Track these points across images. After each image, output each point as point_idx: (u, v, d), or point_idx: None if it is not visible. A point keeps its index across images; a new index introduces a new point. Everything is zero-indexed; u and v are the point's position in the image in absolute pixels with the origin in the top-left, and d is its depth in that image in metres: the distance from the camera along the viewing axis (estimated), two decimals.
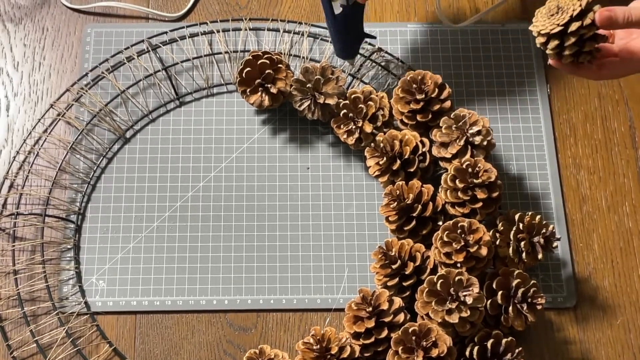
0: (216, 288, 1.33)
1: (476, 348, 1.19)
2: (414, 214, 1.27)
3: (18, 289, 1.31)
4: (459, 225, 1.23)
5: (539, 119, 1.44)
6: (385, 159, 1.30)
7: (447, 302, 1.17)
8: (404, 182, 1.29)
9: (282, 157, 1.41)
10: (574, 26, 1.08)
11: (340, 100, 1.35)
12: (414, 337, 1.17)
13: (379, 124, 1.33)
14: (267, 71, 1.35)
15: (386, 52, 1.47)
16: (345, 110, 1.34)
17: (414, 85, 1.32)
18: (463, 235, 1.22)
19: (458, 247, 1.21)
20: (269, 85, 1.36)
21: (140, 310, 1.32)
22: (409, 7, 1.53)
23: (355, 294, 1.29)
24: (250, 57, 1.36)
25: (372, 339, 1.20)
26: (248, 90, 1.37)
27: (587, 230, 1.37)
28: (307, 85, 1.35)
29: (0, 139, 1.42)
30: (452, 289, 1.18)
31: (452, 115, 1.31)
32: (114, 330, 1.31)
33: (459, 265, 1.22)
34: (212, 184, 1.39)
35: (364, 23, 1.35)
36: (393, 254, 1.25)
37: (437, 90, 1.32)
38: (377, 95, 1.34)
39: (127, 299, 1.32)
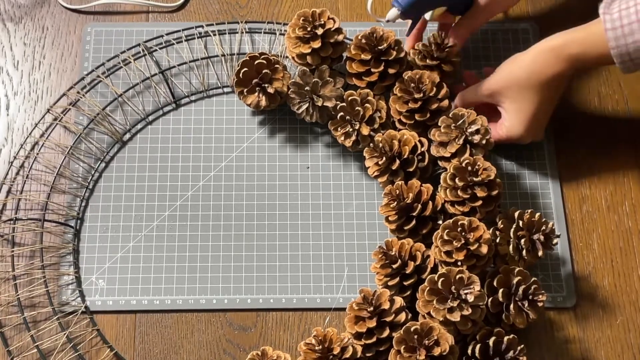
0: (216, 287, 1.30)
1: (478, 346, 1.16)
2: (414, 214, 1.24)
3: (18, 295, 1.28)
4: (459, 223, 1.20)
5: None
6: (384, 159, 1.27)
7: (449, 301, 1.14)
8: (403, 181, 1.26)
9: (282, 157, 1.39)
10: None
11: (338, 102, 1.31)
12: (416, 336, 1.14)
13: (376, 126, 1.30)
14: (264, 71, 1.32)
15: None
16: (342, 113, 1.31)
17: (412, 85, 1.29)
18: (463, 234, 1.19)
19: (458, 246, 1.18)
20: (266, 85, 1.33)
21: (140, 310, 1.29)
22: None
23: (355, 294, 1.27)
24: (248, 58, 1.34)
25: (374, 339, 1.17)
26: (245, 90, 1.34)
27: (586, 229, 1.34)
28: (305, 88, 1.32)
29: (0, 138, 1.39)
30: (453, 287, 1.15)
31: (450, 115, 1.28)
32: (114, 329, 1.28)
33: (459, 263, 1.19)
34: (211, 183, 1.36)
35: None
36: (393, 253, 1.22)
37: (434, 89, 1.30)
38: (374, 98, 1.31)
39: (126, 298, 1.29)
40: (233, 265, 1.31)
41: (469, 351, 1.17)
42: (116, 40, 1.46)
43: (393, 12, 1.31)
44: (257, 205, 1.35)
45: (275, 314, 1.29)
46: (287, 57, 1.41)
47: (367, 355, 1.19)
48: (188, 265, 1.31)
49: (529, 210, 1.24)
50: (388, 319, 1.18)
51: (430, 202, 1.25)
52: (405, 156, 1.27)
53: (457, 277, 1.15)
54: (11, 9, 1.49)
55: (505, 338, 1.16)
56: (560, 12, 1.49)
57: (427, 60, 1.33)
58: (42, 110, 1.41)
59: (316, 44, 1.31)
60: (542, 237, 1.22)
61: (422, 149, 1.29)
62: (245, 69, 1.33)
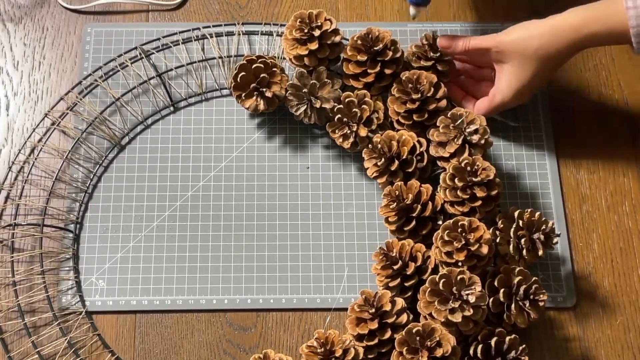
0: (216, 287, 1.27)
1: (480, 347, 1.13)
2: (414, 214, 1.21)
3: (18, 300, 1.25)
4: (460, 224, 1.17)
5: (538, 119, 1.38)
6: (383, 160, 1.24)
7: (450, 302, 1.12)
8: (402, 182, 1.23)
9: (282, 157, 1.36)
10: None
11: (335, 104, 1.29)
12: (418, 338, 1.11)
13: (374, 127, 1.28)
14: (261, 75, 1.29)
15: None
16: (339, 115, 1.28)
17: (410, 85, 1.27)
18: (464, 234, 1.16)
19: (459, 246, 1.15)
20: (264, 90, 1.30)
21: (140, 310, 1.26)
22: (409, 7, 1.45)
23: (355, 294, 1.25)
24: (245, 62, 1.31)
25: (376, 341, 1.15)
26: (243, 94, 1.31)
27: (586, 229, 1.31)
28: (303, 90, 1.29)
29: (0, 138, 1.36)
30: (454, 288, 1.12)
31: (448, 115, 1.26)
32: (114, 329, 1.25)
33: (460, 264, 1.16)
34: (211, 183, 1.34)
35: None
36: (394, 254, 1.19)
37: (432, 89, 1.27)
38: (371, 99, 1.29)
39: (126, 298, 1.26)
40: (233, 266, 1.29)
41: (471, 352, 1.15)
42: (116, 40, 1.43)
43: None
44: (257, 206, 1.33)
45: (276, 314, 1.27)
46: (284, 58, 1.38)
47: (369, 357, 1.16)
48: (188, 265, 1.29)
49: (529, 210, 1.22)
50: (389, 321, 1.15)
51: (429, 202, 1.23)
52: (404, 157, 1.25)
53: (458, 277, 1.12)
54: (11, 9, 1.46)
55: (507, 338, 1.14)
56: (560, 12, 1.45)
57: (422, 62, 1.30)
58: (42, 110, 1.38)
59: (313, 46, 1.28)
60: (542, 237, 1.20)
61: (421, 149, 1.26)
62: (243, 73, 1.30)
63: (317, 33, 1.28)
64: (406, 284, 1.19)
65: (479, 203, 1.21)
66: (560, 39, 1.21)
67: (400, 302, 1.17)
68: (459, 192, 1.21)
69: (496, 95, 1.28)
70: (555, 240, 1.21)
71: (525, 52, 1.23)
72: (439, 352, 1.11)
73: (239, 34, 1.43)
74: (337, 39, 1.30)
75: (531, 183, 1.34)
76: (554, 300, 1.26)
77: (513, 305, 1.16)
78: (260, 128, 1.38)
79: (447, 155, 1.25)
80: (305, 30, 1.28)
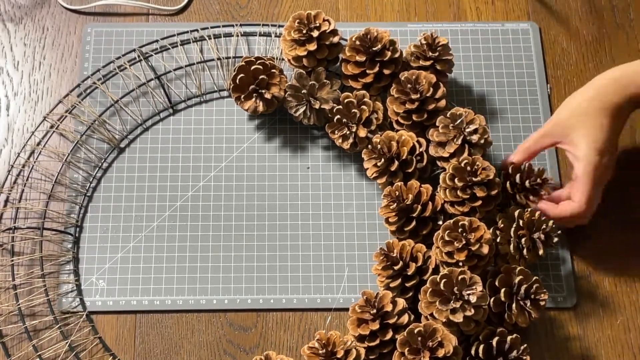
0: (216, 288, 1.25)
1: (481, 346, 1.12)
2: (414, 215, 1.20)
3: (18, 304, 1.23)
4: (460, 224, 1.15)
5: (539, 119, 1.36)
6: (382, 160, 1.22)
7: (451, 302, 1.10)
8: (402, 182, 1.22)
9: (282, 157, 1.34)
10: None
11: (334, 105, 1.27)
12: (419, 338, 1.10)
13: (373, 127, 1.26)
14: (260, 77, 1.28)
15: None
16: (339, 116, 1.26)
17: (409, 85, 1.25)
18: (464, 234, 1.14)
19: (459, 246, 1.14)
20: (263, 91, 1.29)
21: (140, 310, 1.24)
22: (409, 7, 1.46)
23: (355, 294, 1.24)
24: (243, 63, 1.29)
25: (377, 341, 1.13)
26: (242, 96, 1.30)
27: (587, 229, 1.29)
28: (302, 91, 1.28)
29: (0, 139, 1.35)
30: (455, 288, 1.10)
31: (448, 115, 1.24)
32: (114, 330, 1.23)
33: (460, 264, 1.15)
34: (211, 183, 1.32)
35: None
36: (394, 255, 1.17)
37: (431, 89, 1.25)
38: (370, 99, 1.27)
39: (127, 298, 1.24)
40: (233, 266, 1.27)
41: (473, 352, 1.13)
42: (116, 40, 1.42)
43: None
44: (257, 206, 1.31)
45: (276, 314, 1.25)
46: (283, 59, 1.36)
47: (371, 357, 1.15)
48: (188, 265, 1.27)
49: (529, 209, 1.20)
50: (391, 321, 1.14)
51: (429, 202, 1.21)
52: (404, 157, 1.23)
53: (459, 277, 1.11)
54: (11, 9, 1.44)
55: (509, 338, 1.13)
56: (560, 12, 1.45)
57: (421, 61, 1.29)
58: (43, 110, 1.36)
59: (312, 47, 1.27)
60: (542, 236, 1.19)
61: (421, 150, 1.25)
62: (242, 74, 1.28)
63: (315, 34, 1.26)
64: (407, 285, 1.18)
65: (479, 203, 1.19)
66: (605, 90, 1.21)
67: (401, 303, 1.16)
68: (459, 192, 1.20)
69: (581, 162, 1.21)
70: (555, 239, 1.20)
71: (580, 109, 1.22)
72: (440, 353, 1.09)
73: (238, 35, 1.42)
74: (336, 39, 1.28)
75: None
76: (554, 300, 1.25)
77: (514, 305, 1.14)
78: (260, 129, 1.36)
79: (446, 155, 1.24)
80: (304, 31, 1.26)
